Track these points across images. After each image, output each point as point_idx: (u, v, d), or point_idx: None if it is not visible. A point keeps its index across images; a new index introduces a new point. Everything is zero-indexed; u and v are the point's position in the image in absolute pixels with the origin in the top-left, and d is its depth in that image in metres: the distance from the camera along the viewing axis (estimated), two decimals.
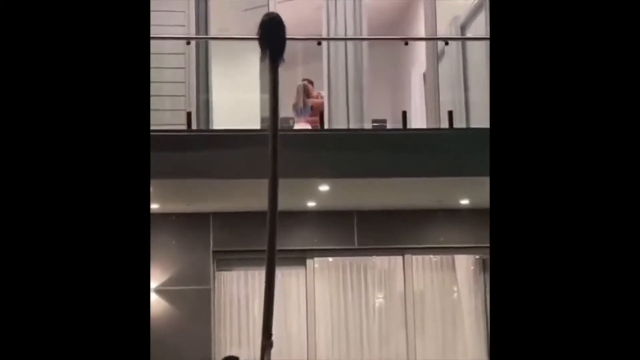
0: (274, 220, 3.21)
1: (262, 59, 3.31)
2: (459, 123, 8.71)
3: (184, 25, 9.06)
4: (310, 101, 9.83)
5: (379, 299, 9.94)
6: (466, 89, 9.53)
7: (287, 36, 3.23)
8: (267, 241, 3.22)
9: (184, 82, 8.90)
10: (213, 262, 9.53)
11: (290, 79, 9.63)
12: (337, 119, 9.32)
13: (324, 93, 9.53)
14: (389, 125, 8.80)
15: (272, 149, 3.19)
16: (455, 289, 10.04)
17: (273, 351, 3.18)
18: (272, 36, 3.26)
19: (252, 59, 9.32)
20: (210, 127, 8.81)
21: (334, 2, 9.44)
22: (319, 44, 9.22)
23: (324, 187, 8.48)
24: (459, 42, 9.71)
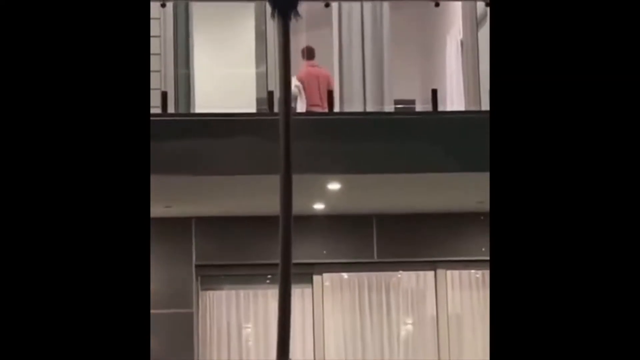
0: (288, 225, 3.29)
1: (272, 15, 3.30)
2: None
3: None
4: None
5: (406, 325, 9.85)
6: None
7: None
8: (280, 248, 3.29)
9: (158, 54, 8.67)
10: (196, 279, 9.46)
11: (293, 48, 9.31)
12: (351, 100, 9.13)
13: (335, 67, 9.37)
14: (417, 108, 9.02)
15: (284, 136, 3.19)
16: None
17: None
18: None
19: (244, 22, 9.35)
20: (192, 111, 8.75)
21: None
22: (327, 5, 8.93)
23: (334, 185, 8.34)
24: None
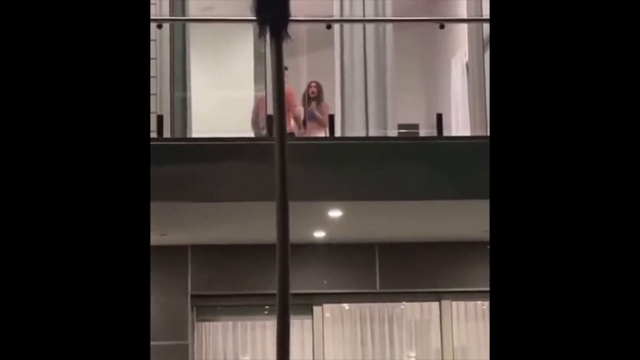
0: (285, 253, 3.32)
1: (260, 35, 3.33)
2: None
3: (154, 3, 8.92)
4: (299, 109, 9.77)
5: (410, 359, 9.79)
6: None
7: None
8: (278, 278, 3.32)
9: (154, 77, 8.72)
10: (192, 310, 9.43)
11: (293, 71, 9.58)
12: (352, 124, 9.18)
13: (337, 89, 9.37)
14: (421, 132, 8.98)
15: (280, 161, 3.27)
16: None
17: None
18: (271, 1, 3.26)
19: (243, 45, 9.67)
20: (188, 135, 8.74)
21: None
22: (329, 27, 8.94)
23: (335, 213, 8.35)
24: None
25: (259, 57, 9.37)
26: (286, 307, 3.35)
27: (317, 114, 9.75)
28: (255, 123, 9.51)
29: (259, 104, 9.53)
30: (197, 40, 9.33)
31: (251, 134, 8.98)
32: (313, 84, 9.85)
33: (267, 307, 9.53)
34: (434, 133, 8.29)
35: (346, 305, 9.76)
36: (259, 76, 9.72)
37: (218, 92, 9.73)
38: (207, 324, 9.59)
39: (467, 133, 9.09)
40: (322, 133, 9.41)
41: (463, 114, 9.84)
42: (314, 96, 9.75)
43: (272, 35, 3.30)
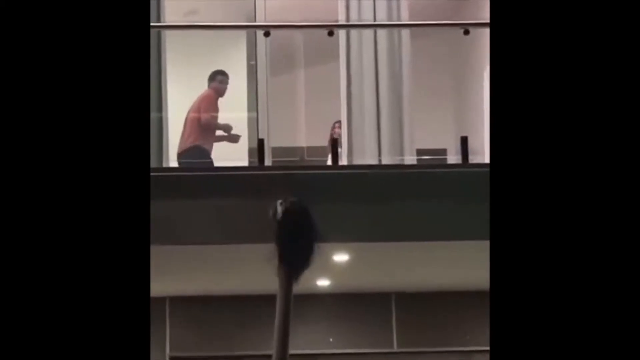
0: (287, 308, 3.67)
1: (271, 262, 3.72)
2: None
3: None
4: None
5: None
6: None
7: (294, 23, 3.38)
8: (275, 336, 3.60)
9: None
10: None
11: (289, 87, 9.56)
12: (362, 150, 9.18)
13: (343, 108, 9.33)
14: (449, 159, 9.09)
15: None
16: None
17: None
18: (294, 239, 3.67)
19: (233, 55, 9.69)
20: (165, 165, 8.76)
21: None
22: (331, 33, 8.67)
23: (341, 257, 8.29)
24: None
25: (251, 72, 9.55)
26: None
27: None
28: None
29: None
30: (176, 50, 9.39)
31: (245, 163, 8.96)
32: (337, 125, 9.81)
33: None
34: (458, 160, 8.24)
35: None
36: (251, 96, 9.96)
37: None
38: None
39: None
40: None
41: None
42: (338, 138, 9.55)
43: (286, 276, 3.69)
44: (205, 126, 9.66)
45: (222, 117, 9.73)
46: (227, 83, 10.06)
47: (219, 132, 10.08)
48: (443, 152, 9.22)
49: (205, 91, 9.94)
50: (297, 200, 3.83)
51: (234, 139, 10.01)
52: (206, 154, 9.69)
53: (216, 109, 10.03)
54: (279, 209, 3.80)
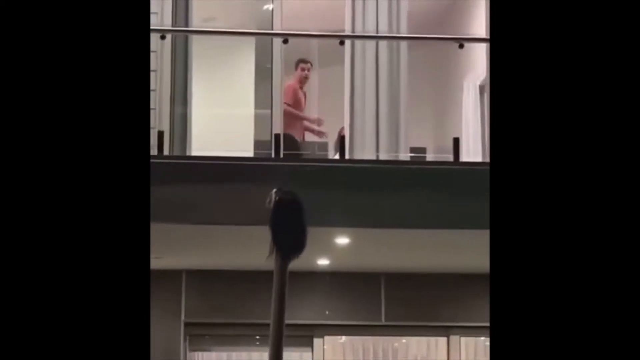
0: (283, 280, 3.55)
1: (269, 255, 3.61)
2: None
3: (156, 13, 8.99)
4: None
5: None
6: None
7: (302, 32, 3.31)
8: (273, 307, 3.54)
9: (154, 91, 8.86)
10: (184, 339, 9.70)
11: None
12: (362, 147, 9.26)
13: (346, 109, 9.44)
14: (430, 156, 9.09)
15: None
16: None
17: None
18: (285, 226, 3.57)
19: (245, 59, 9.77)
20: (188, 153, 8.85)
21: None
22: (342, 43, 9.13)
23: (342, 240, 8.54)
24: None
25: (260, 73, 9.45)
26: (279, 340, 3.54)
27: None
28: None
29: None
30: (200, 52, 9.42)
31: (251, 154, 9.06)
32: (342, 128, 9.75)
33: (259, 337, 9.69)
34: (443, 158, 8.46)
35: (348, 338, 9.92)
36: (259, 94, 9.81)
37: (218, 109, 9.95)
38: (200, 353, 9.76)
39: (479, 158, 9.25)
40: None
41: (474, 139, 10.00)
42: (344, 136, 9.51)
43: (281, 258, 3.60)
44: (288, 116, 9.59)
45: (231, 114, 9.71)
46: (309, 70, 10.01)
47: (306, 123, 10.10)
48: (423, 150, 9.23)
49: (289, 80, 9.88)
50: (290, 191, 3.66)
51: (320, 134, 10.05)
52: (295, 144, 9.58)
53: (297, 99, 10.05)
54: (273, 198, 3.63)
